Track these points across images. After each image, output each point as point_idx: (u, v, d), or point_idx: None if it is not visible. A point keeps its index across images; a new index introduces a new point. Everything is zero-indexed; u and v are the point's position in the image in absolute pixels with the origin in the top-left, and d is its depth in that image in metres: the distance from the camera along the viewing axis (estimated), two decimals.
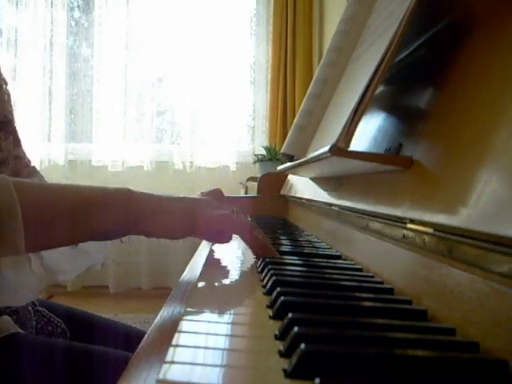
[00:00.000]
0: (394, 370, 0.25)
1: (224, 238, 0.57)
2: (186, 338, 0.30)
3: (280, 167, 0.98)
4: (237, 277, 0.51)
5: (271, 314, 0.35)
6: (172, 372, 0.25)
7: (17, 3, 2.89)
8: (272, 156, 2.55)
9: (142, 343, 0.31)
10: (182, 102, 3.07)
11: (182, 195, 0.57)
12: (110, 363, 0.64)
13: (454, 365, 0.26)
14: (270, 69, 3.01)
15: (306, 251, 0.64)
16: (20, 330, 0.67)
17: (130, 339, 0.76)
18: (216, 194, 0.69)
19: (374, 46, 0.57)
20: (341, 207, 0.67)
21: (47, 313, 0.77)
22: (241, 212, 0.59)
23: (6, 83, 0.83)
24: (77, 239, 0.52)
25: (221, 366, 0.26)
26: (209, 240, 0.61)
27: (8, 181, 0.45)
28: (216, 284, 0.48)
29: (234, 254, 0.67)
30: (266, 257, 0.54)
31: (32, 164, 0.88)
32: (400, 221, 0.45)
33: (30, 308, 0.74)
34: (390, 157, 0.50)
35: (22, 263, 0.70)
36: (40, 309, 0.77)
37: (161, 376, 0.24)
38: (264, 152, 2.64)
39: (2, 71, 0.82)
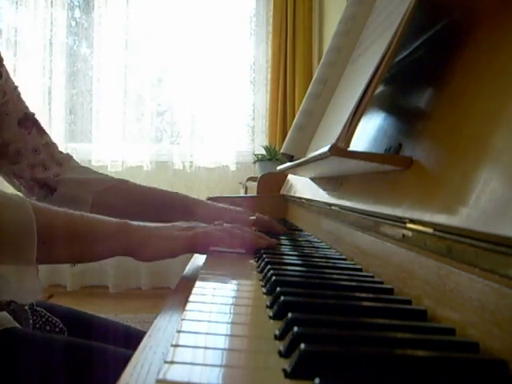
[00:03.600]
0: (393, 370, 0.25)
1: (203, 250, 0.64)
2: (185, 338, 0.30)
3: (280, 167, 0.98)
4: (237, 277, 0.51)
5: (271, 314, 0.35)
6: (172, 372, 0.25)
7: (16, 3, 2.89)
8: (272, 156, 2.55)
9: (141, 343, 0.31)
10: (181, 102, 3.07)
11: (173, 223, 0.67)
12: (108, 359, 0.64)
13: (454, 365, 0.26)
14: (269, 69, 3.01)
15: (305, 251, 0.64)
16: (17, 325, 0.68)
17: (129, 339, 0.76)
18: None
19: (373, 46, 0.57)
20: (340, 207, 0.67)
21: (45, 313, 0.77)
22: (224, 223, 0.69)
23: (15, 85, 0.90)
24: (77, 260, 0.62)
25: (221, 365, 0.26)
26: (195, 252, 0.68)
27: (27, 203, 0.53)
28: (216, 284, 0.48)
29: (233, 254, 0.67)
30: (259, 248, 0.63)
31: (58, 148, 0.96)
32: (400, 221, 0.45)
33: (26, 308, 0.74)
34: (390, 157, 0.50)
35: (30, 270, 0.72)
36: (38, 309, 0.77)
37: (161, 376, 0.24)
38: (264, 152, 2.64)
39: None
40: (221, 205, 0.92)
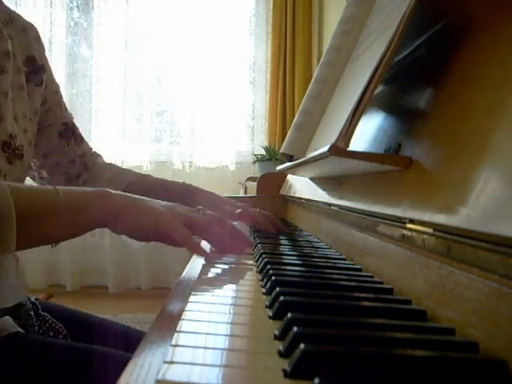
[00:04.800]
0: (393, 370, 0.25)
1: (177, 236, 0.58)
2: (185, 338, 0.30)
3: (279, 167, 0.98)
4: (236, 277, 0.51)
5: (271, 314, 0.35)
6: (171, 372, 0.25)
7: (16, 3, 2.88)
8: (271, 156, 2.55)
9: (141, 343, 0.31)
10: (181, 102, 3.07)
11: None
12: (111, 364, 0.64)
13: (454, 365, 0.26)
14: (269, 69, 3.01)
15: (305, 251, 0.64)
16: (20, 330, 0.68)
17: (129, 340, 0.76)
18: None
19: (373, 46, 0.57)
20: (340, 207, 0.67)
21: (49, 317, 0.77)
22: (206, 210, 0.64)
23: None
24: (58, 238, 0.56)
25: (220, 366, 0.26)
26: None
27: (4, 186, 0.49)
28: (215, 284, 0.48)
29: (233, 254, 0.67)
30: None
31: (92, 150, 0.98)
32: (399, 221, 0.45)
33: (31, 313, 0.74)
34: (390, 157, 0.50)
35: (9, 266, 0.71)
36: (42, 313, 0.77)
37: (160, 376, 0.24)
38: (263, 152, 2.65)
39: None
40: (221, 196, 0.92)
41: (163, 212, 0.57)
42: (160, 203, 0.60)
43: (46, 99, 0.85)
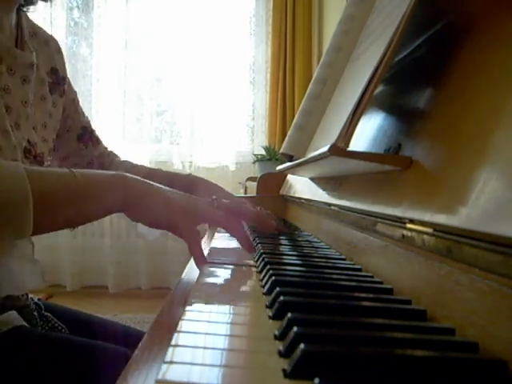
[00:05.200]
0: (393, 370, 0.25)
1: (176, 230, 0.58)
2: (185, 338, 0.30)
3: (279, 167, 0.98)
4: (236, 276, 0.51)
5: (270, 313, 0.35)
6: (171, 372, 0.25)
7: None
8: (271, 156, 2.55)
9: (141, 343, 0.31)
10: (181, 102, 3.07)
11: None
12: (112, 357, 0.65)
13: (454, 365, 0.26)
14: (269, 69, 3.01)
15: (305, 251, 0.64)
16: (25, 323, 0.68)
17: (129, 340, 0.77)
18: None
19: (373, 46, 0.57)
20: (340, 207, 0.67)
21: (52, 318, 0.78)
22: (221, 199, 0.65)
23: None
24: (76, 222, 0.56)
25: (220, 366, 0.26)
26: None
27: (21, 170, 0.48)
28: (215, 284, 0.48)
29: (233, 254, 0.67)
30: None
31: (108, 150, 1.01)
32: (399, 221, 0.45)
33: (35, 313, 0.74)
34: (390, 157, 0.50)
35: (24, 251, 0.71)
36: (45, 314, 0.77)
37: (160, 376, 0.24)
38: (263, 152, 2.65)
39: None
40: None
41: (179, 204, 0.57)
42: (178, 194, 0.60)
43: (64, 108, 0.87)
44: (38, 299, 0.80)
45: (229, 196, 0.89)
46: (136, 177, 0.58)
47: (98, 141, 0.98)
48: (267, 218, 0.83)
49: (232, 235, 0.62)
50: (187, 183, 0.92)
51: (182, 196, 0.60)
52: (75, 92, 0.93)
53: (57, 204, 0.52)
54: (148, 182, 0.58)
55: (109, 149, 1.02)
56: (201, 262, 0.55)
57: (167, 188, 0.60)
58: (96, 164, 0.96)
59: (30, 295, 0.77)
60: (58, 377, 0.61)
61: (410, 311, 0.37)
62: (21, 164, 0.50)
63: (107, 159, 0.99)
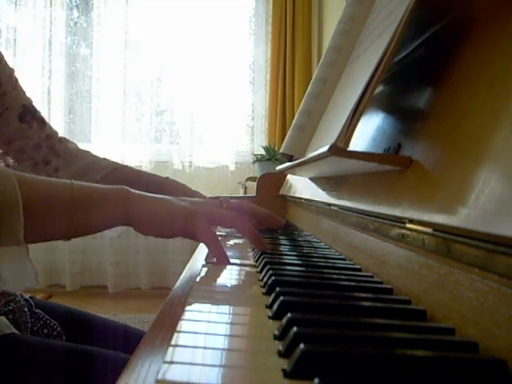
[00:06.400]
0: (393, 370, 0.25)
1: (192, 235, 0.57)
2: (185, 338, 0.30)
3: (279, 167, 0.98)
4: (236, 276, 0.51)
5: (270, 313, 0.35)
6: (171, 372, 0.25)
7: (16, 3, 2.88)
8: (271, 156, 2.55)
9: (141, 343, 0.31)
10: (181, 102, 3.07)
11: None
12: (108, 365, 0.64)
13: (453, 365, 0.26)
14: (269, 69, 3.01)
15: (305, 251, 0.64)
16: (15, 331, 0.67)
17: (129, 340, 0.76)
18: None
19: (373, 46, 0.57)
20: (340, 207, 0.67)
21: (43, 315, 0.76)
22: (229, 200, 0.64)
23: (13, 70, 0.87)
24: (73, 234, 0.55)
25: (220, 366, 0.26)
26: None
27: (12, 176, 0.48)
28: (215, 284, 0.48)
29: (233, 254, 0.67)
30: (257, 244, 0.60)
31: (59, 135, 0.94)
32: (399, 221, 0.45)
33: (26, 310, 0.74)
34: (389, 157, 0.50)
35: (20, 252, 0.70)
36: (37, 311, 0.76)
37: (160, 376, 0.24)
38: (263, 152, 2.65)
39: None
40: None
41: (191, 212, 0.56)
42: (187, 200, 0.59)
43: (0, 83, 0.82)
44: (30, 297, 0.79)
45: (208, 199, 0.87)
46: (139, 192, 0.57)
47: (43, 122, 0.91)
48: (274, 216, 0.82)
49: (243, 235, 0.62)
50: (158, 186, 0.88)
51: (188, 201, 0.60)
52: (12, 69, 0.87)
53: (49, 213, 0.51)
54: (151, 195, 0.57)
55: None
56: (224, 261, 0.55)
57: (169, 197, 0.59)
58: (44, 148, 0.89)
59: (18, 292, 0.76)
60: None
61: (409, 311, 0.37)
62: (11, 170, 0.50)
63: (59, 144, 0.92)
